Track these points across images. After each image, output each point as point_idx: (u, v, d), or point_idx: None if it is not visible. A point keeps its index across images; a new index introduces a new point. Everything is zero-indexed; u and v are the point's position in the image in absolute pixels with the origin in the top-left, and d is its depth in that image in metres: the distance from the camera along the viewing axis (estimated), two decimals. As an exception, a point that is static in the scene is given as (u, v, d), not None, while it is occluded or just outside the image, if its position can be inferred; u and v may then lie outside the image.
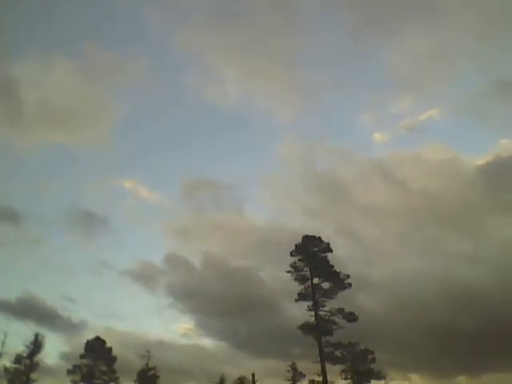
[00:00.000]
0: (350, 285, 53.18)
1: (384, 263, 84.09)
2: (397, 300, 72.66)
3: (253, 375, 55.40)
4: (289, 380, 58.31)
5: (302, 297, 54.23)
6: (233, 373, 61.38)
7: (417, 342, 67.68)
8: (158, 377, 58.26)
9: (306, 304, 53.95)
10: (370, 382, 55.29)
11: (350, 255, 55.57)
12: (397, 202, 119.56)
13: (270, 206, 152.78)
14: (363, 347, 54.69)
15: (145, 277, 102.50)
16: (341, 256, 55.80)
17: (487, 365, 72.66)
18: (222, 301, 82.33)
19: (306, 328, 52.58)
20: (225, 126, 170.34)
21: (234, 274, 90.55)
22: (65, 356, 68.66)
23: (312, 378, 56.07)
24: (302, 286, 54.76)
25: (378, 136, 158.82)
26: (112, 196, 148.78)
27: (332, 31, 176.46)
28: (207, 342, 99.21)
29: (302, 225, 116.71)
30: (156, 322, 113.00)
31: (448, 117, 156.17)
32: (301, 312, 58.93)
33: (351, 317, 52.55)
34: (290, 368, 58.11)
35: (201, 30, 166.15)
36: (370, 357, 54.80)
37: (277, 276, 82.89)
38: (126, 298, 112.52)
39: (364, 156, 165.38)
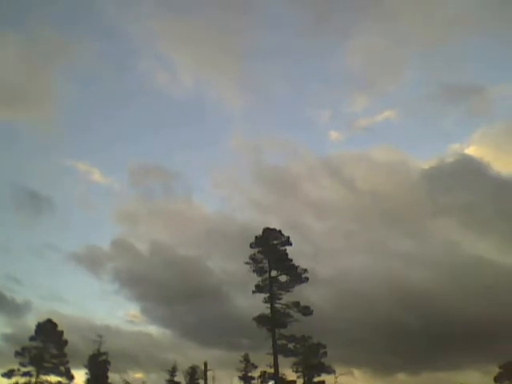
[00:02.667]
0: (307, 279, 53.64)
1: (330, 260, 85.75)
2: (342, 296, 74.27)
3: (205, 364, 55.24)
4: (241, 371, 58.65)
5: (259, 289, 54.39)
6: (179, 361, 61.16)
7: (360, 338, 68.94)
8: (109, 362, 57.47)
9: (259, 296, 54.20)
10: (320, 375, 56.22)
11: (296, 249, 56.07)
12: (345, 200, 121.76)
13: (219, 196, 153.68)
14: (316, 341, 55.48)
15: (91, 261, 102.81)
16: (287, 250, 56.08)
17: (426, 363, 74.97)
18: (169, 289, 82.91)
19: (260, 320, 52.80)
20: (176, 113, 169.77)
21: (182, 263, 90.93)
22: (7, 337, 67.98)
23: (264, 370, 56.56)
24: (259, 278, 54.93)
25: (333, 134, 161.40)
26: (60, 177, 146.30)
27: (290, 26, 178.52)
28: (153, 330, 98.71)
29: (249, 217, 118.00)
30: (102, 308, 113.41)
31: (402, 119, 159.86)
32: (249, 303, 59.38)
33: (306, 311, 53.03)
34: (242, 359, 58.44)
35: (153, 17, 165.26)
36: (321, 351, 55.59)
37: (225, 266, 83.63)
38: (72, 282, 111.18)
39: (317, 153, 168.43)
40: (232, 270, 79.68)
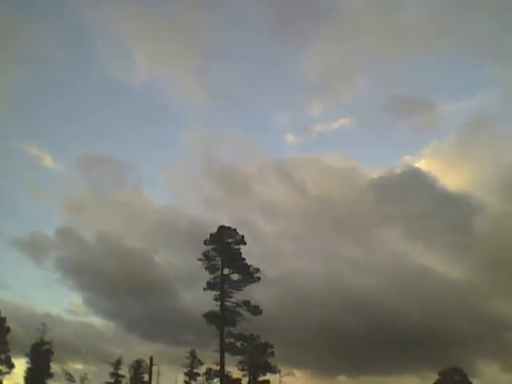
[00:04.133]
0: (258, 279, 53.93)
1: (278, 261, 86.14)
2: (287, 298, 74.74)
3: (151, 359, 55.01)
4: (187, 367, 58.51)
5: (210, 286, 54.37)
6: (122, 354, 60.50)
7: (303, 339, 70.03)
8: (52, 352, 56.11)
9: (207, 293, 54.30)
10: (265, 374, 56.75)
11: (244, 249, 56.18)
12: (295, 203, 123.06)
13: (169, 190, 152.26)
14: (264, 341, 55.93)
15: (35, 248, 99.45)
16: (241, 249, 56.23)
17: (367, 367, 77.04)
18: (114, 281, 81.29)
19: (210, 317, 52.80)
20: (131, 104, 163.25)
21: (129, 255, 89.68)
22: None
23: (210, 367, 56.59)
24: (211, 276, 54.88)
25: (289, 137, 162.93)
26: (8, 161, 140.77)
27: (252, 28, 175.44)
28: (96, 321, 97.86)
29: (199, 213, 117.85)
30: (44, 296, 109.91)
31: (357, 128, 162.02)
32: (196, 299, 59.32)
33: (256, 310, 53.37)
34: (189, 355, 58.32)
35: (114, 5, 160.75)
36: (269, 350, 56.09)
37: (172, 261, 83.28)
38: (14, 269, 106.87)
39: (271, 154, 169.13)
40: (179, 265, 79.43)
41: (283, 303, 70.74)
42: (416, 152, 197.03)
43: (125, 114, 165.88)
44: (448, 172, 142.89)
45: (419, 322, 77.88)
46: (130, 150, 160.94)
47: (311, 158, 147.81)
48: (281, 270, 79.45)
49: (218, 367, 53.43)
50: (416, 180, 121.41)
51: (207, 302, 54.10)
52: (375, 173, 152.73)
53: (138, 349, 66.90)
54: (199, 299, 57.77)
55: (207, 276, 54.65)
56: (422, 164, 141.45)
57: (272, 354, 55.93)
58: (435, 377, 64.61)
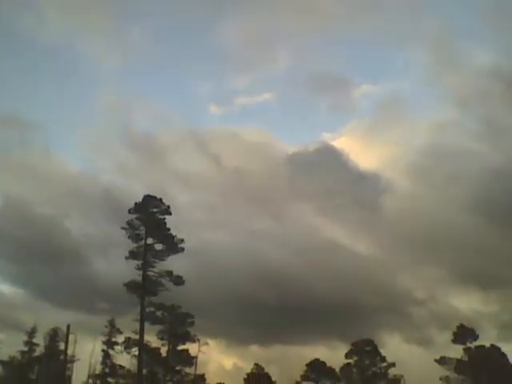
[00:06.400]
0: (182, 249, 53.73)
1: (192, 231, 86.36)
2: (201, 268, 75.57)
3: (67, 327, 53.45)
4: (105, 336, 57.86)
5: (132, 255, 53.41)
6: (34, 322, 59.10)
7: (217, 310, 71.44)
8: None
9: (123, 261, 53.29)
10: (184, 344, 57.30)
11: (169, 219, 55.59)
12: (212, 175, 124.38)
13: (82, 155, 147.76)
14: (184, 311, 56.22)
15: None
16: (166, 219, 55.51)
17: (279, 337, 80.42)
18: (23, 247, 78.59)
19: (131, 286, 51.99)
20: (41, 60, 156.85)
21: (38, 220, 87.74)
22: None
23: (129, 336, 56.31)
24: (135, 245, 53.99)
25: (213, 108, 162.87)
26: None
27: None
28: (5, 288, 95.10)
29: (114, 180, 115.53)
30: None
31: (278, 104, 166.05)
32: (112, 267, 58.32)
33: (178, 280, 53.21)
34: (108, 324, 57.64)
35: None
36: (189, 320, 56.53)
37: (84, 228, 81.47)
38: None
39: (190, 125, 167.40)
40: (93, 232, 77.78)
41: (197, 274, 70.83)
42: (335, 130, 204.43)
43: (34, 70, 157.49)
44: (361, 151, 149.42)
45: (330, 295, 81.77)
46: (37, 110, 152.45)
47: (231, 130, 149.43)
48: (196, 241, 79.46)
49: (137, 336, 53.09)
50: (330, 158, 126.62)
51: (124, 270, 53.36)
52: (292, 149, 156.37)
53: (52, 317, 65.10)
54: (116, 268, 56.93)
55: (124, 244, 53.54)
56: (341, 142, 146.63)
57: (192, 323, 56.49)
58: (344, 347, 67.68)
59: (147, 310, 52.88)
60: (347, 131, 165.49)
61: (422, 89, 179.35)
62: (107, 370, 57.67)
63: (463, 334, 60.97)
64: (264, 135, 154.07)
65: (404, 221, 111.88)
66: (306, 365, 65.30)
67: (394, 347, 75.67)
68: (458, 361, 60.18)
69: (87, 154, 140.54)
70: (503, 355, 60.05)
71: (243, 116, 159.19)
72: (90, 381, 56.76)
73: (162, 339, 57.10)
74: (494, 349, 60.80)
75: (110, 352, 57.80)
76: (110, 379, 58.57)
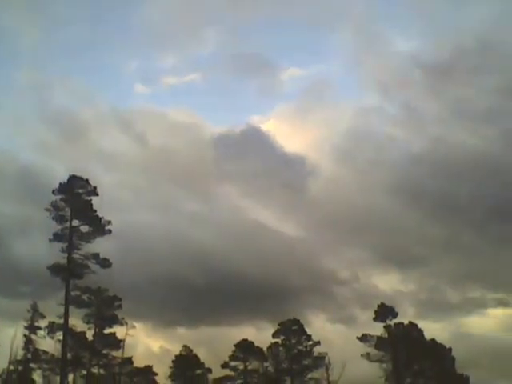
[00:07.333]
0: (110, 231, 52.68)
1: (117, 213, 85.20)
2: (127, 250, 74.76)
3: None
4: (27, 320, 55.79)
5: (57, 237, 51.74)
6: None
7: (144, 292, 70.69)
8: None
9: (43, 243, 52.11)
10: (112, 327, 56.47)
11: (96, 200, 54.09)
12: (137, 155, 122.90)
13: None
14: (112, 294, 55.33)
15: None
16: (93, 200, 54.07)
17: (206, 318, 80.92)
18: None
19: (55, 269, 50.49)
20: None
21: None
22: None
23: (53, 320, 54.65)
24: (59, 227, 52.29)
25: (139, 87, 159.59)
26: None
27: None
28: None
29: (32, 159, 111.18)
30: None
31: (206, 84, 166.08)
32: (32, 250, 56.29)
33: (105, 263, 52.22)
34: (30, 308, 55.58)
35: None
36: (116, 303, 55.72)
37: (1, 209, 77.64)
38: None
39: (114, 103, 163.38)
40: (10, 213, 74.03)
41: (123, 256, 69.54)
42: (263, 113, 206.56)
43: None
44: (288, 134, 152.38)
45: (256, 276, 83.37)
46: None
47: (156, 110, 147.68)
48: (120, 222, 77.79)
49: (61, 320, 51.70)
50: (257, 140, 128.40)
51: (48, 253, 51.62)
52: (218, 130, 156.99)
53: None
54: (38, 250, 54.81)
55: (47, 226, 51.78)
56: (268, 125, 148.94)
57: (119, 307, 55.74)
58: (271, 327, 69.14)
59: (72, 293, 51.66)
60: (275, 114, 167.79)
61: (348, 73, 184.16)
62: (29, 356, 55.78)
63: (383, 312, 64.00)
64: (191, 116, 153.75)
65: (329, 203, 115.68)
66: (234, 345, 66.16)
67: (319, 326, 78.39)
68: (379, 338, 63.19)
69: (3, 131, 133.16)
70: (420, 331, 63.68)
71: (170, 96, 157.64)
72: (11, 367, 54.68)
73: (88, 323, 55.95)
74: (412, 326, 64.42)
75: (33, 337, 55.88)
76: (32, 365, 56.68)
